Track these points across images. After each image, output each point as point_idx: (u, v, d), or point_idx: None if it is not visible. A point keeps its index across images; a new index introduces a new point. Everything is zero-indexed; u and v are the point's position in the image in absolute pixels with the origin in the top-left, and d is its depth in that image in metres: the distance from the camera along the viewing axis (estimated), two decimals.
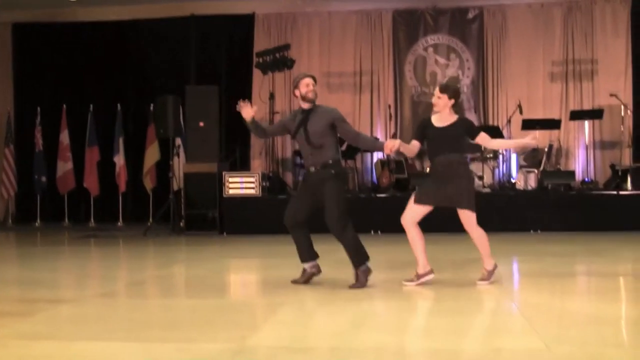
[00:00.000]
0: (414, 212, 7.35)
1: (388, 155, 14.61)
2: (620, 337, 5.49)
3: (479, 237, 7.38)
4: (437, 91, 7.41)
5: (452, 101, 7.37)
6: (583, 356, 4.76)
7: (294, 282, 7.67)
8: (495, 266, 7.52)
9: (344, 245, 7.35)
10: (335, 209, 7.21)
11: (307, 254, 7.64)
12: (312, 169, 7.37)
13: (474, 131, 7.51)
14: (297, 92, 7.45)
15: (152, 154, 15.57)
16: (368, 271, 7.39)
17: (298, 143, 7.57)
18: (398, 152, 7.61)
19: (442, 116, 7.39)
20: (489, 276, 7.47)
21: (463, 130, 7.43)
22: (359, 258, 7.36)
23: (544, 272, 8.56)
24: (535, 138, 7.74)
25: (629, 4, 15.51)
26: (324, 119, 7.35)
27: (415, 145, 7.47)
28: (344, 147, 13.39)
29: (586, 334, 5.37)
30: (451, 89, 7.42)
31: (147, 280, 8.74)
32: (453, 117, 7.40)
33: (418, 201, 7.34)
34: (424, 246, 7.42)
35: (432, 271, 7.44)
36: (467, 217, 7.29)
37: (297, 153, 15.54)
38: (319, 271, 7.71)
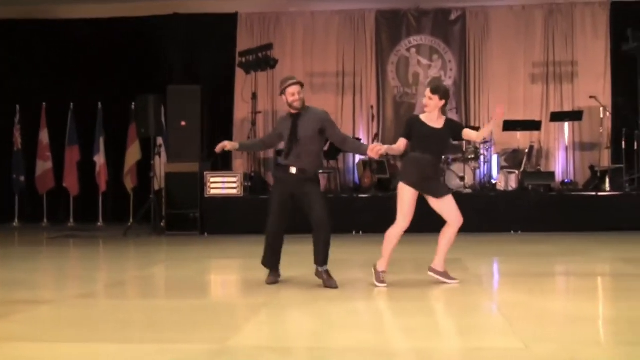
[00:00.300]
0: (405, 207, 7.36)
1: (370, 156, 14.64)
2: (598, 336, 5.54)
3: (456, 225, 7.42)
4: (428, 92, 7.45)
5: (443, 102, 7.44)
6: (561, 355, 4.80)
7: (271, 283, 7.72)
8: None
9: (322, 241, 7.41)
10: (324, 205, 7.38)
11: (277, 262, 7.80)
12: (293, 170, 7.44)
13: (459, 129, 7.64)
14: (283, 99, 7.53)
15: (133, 154, 15.48)
16: (328, 271, 7.52)
17: (287, 144, 7.58)
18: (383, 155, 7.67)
19: (432, 117, 7.45)
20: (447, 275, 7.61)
21: (451, 132, 7.56)
22: (325, 257, 7.48)
23: (523, 272, 8.61)
24: (500, 108, 7.71)
25: (608, 6, 15.59)
26: (314, 124, 7.46)
27: (402, 142, 7.50)
28: (326, 147, 13.40)
29: (565, 333, 5.41)
30: (442, 90, 7.48)
31: (128, 281, 8.71)
32: (442, 119, 7.47)
33: (404, 181, 7.36)
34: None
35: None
36: (451, 200, 7.40)
37: (279, 153, 15.49)
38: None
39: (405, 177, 7.41)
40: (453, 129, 7.57)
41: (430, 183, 7.37)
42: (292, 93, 7.43)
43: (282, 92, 7.51)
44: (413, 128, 7.47)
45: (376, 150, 7.32)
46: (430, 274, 7.60)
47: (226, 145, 7.67)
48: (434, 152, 7.40)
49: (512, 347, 5.00)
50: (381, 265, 7.51)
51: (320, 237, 7.40)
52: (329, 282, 7.43)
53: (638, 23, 14.11)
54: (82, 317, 6.28)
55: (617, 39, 14.94)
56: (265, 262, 7.78)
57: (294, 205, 7.51)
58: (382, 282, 7.43)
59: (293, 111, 7.50)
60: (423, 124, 7.44)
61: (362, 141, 14.78)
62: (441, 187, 7.52)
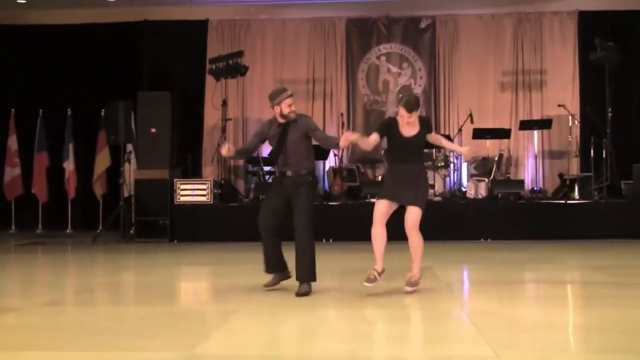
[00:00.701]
0: (377, 210, 7.39)
1: (340, 163, 14.67)
2: (568, 343, 5.57)
3: (419, 240, 7.38)
4: (403, 112, 7.34)
5: (419, 110, 7.51)
6: None
7: (268, 285, 7.69)
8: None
9: (302, 252, 7.39)
10: (304, 212, 7.41)
11: (273, 265, 7.68)
12: (289, 172, 7.55)
13: (430, 128, 7.67)
14: (277, 109, 7.56)
15: (102, 160, 15.36)
16: (310, 289, 7.43)
17: (275, 151, 7.64)
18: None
19: (411, 124, 7.44)
20: (417, 282, 7.47)
21: (425, 133, 7.54)
22: (308, 273, 7.42)
23: (493, 279, 8.64)
24: (470, 150, 8.09)
25: (576, 16, 15.73)
26: (300, 131, 7.55)
27: (374, 139, 7.46)
28: None
29: (534, 341, 5.43)
30: (414, 104, 7.39)
31: (96, 288, 8.64)
32: (417, 123, 7.47)
33: (378, 196, 7.45)
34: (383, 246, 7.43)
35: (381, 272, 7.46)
36: (417, 215, 7.30)
37: (249, 160, 15.48)
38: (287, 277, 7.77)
39: (381, 193, 7.46)
40: (427, 127, 7.59)
41: (406, 189, 7.35)
42: (289, 104, 7.52)
43: (277, 103, 7.52)
44: (390, 133, 7.46)
45: (346, 136, 7.24)
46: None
47: (230, 149, 7.62)
48: (409, 161, 7.42)
49: (482, 355, 5.01)
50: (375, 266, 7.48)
51: (298, 245, 7.41)
52: (299, 288, 7.41)
53: (605, 32, 14.26)
54: (49, 324, 6.21)
55: (585, 47, 15.05)
56: (264, 267, 7.71)
57: (289, 208, 7.55)
58: (368, 280, 7.36)
59: (283, 120, 7.55)
60: (398, 134, 7.42)
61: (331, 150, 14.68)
62: (413, 194, 7.36)
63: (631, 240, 12.50)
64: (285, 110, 7.49)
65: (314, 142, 7.78)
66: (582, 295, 7.95)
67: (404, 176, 7.38)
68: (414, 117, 7.39)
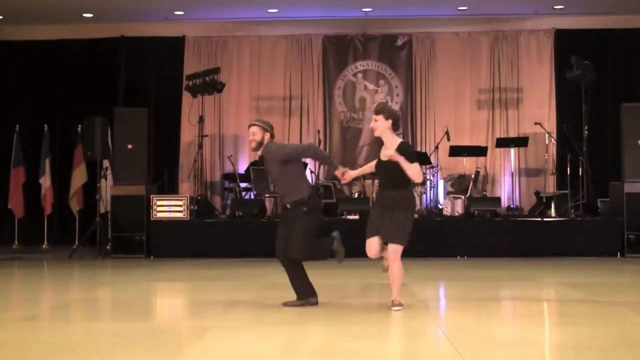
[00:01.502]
0: (370, 252, 7.35)
1: (317, 180, 14.67)
2: None
3: (397, 271, 7.24)
4: (373, 115, 7.29)
5: (390, 121, 7.22)
6: None
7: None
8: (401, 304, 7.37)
9: (290, 276, 7.58)
10: (296, 243, 7.35)
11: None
12: (288, 205, 7.53)
13: (407, 154, 7.18)
14: None
15: (79, 176, 15.29)
16: (299, 304, 7.58)
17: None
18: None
19: (386, 143, 7.27)
20: (399, 303, 7.32)
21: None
22: (296, 291, 7.61)
23: (470, 296, 8.65)
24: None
25: (552, 34, 15.86)
26: (273, 162, 7.49)
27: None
28: None
29: (510, 358, 5.44)
30: (387, 110, 7.34)
31: (72, 304, 8.58)
32: (395, 144, 7.23)
33: (367, 233, 7.35)
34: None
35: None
36: (394, 250, 7.20)
37: (225, 177, 15.47)
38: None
39: (367, 228, 7.38)
40: (403, 154, 7.18)
41: (385, 220, 7.24)
42: (249, 134, 7.51)
43: None
44: (378, 154, 7.41)
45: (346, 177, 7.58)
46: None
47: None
48: (390, 187, 7.27)
49: None
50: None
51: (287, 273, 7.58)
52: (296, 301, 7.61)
53: (581, 50, 14.36)
54: (24, 340, 6.16)
55: (561, 66, 15.16)
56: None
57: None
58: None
59: (258, 152, 7.60)
60: (379, 156, 7.34)
61: (309, 166, 14.58)
62: (394, 231, 7.19)
63: (607, 257, 12.59)
64: (248, 140, 7.56)
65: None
66: (558, 313, 7.98)
67: (386, 204, 7.27)
68: (381, 122, 7.19)
